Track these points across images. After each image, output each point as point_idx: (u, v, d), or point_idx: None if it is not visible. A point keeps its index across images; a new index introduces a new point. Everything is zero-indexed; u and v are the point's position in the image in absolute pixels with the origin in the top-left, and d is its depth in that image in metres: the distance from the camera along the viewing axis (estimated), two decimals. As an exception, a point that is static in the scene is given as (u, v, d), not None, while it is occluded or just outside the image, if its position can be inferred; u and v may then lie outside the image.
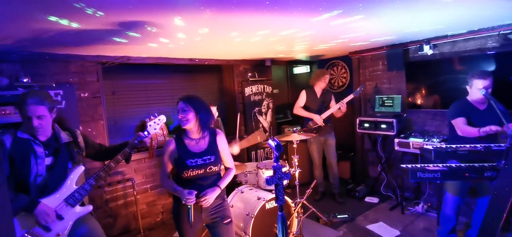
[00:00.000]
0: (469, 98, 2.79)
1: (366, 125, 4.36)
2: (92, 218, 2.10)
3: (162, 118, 2.28)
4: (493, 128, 2.38)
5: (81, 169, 1.99)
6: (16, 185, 1.81)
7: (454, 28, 3.33)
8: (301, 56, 5.03)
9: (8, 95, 2.61)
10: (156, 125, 2.26)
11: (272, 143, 1.53)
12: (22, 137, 1.86)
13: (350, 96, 4.13)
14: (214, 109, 3.85)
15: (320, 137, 4.26)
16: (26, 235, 1.76)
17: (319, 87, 4.27)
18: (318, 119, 4.11)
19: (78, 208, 1.94)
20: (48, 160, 1.89)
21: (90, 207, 2.03)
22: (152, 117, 2.26)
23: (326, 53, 4.87)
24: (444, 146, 2.62)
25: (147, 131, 2.22)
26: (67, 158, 1.96)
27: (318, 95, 4.29)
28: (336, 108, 4.11)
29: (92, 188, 2.00)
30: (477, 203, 2.89)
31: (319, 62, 5.73)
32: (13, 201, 1.73)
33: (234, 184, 3.62)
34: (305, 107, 4.32)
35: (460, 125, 2.70)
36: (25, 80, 2.88)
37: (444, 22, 2.97)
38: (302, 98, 4.35)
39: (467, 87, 2.78)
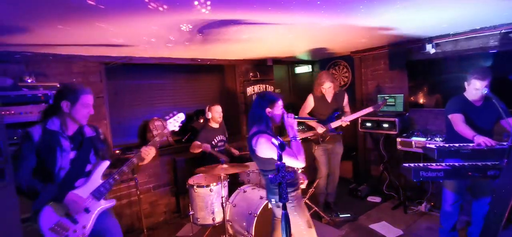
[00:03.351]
0: (466, 94, 2.79)
1: (368, 124, 4.36)
2: (112, 213, 2.16)
3: (181, 116, 2.35)
4: (488, 143, 2.36)
5: (106, 163, 2.05)
6: (43, 176, 1.86)
7: (456, 27, 3.33)
8: (303, 55, 5.04)
9: (12, 95, 2.62)
10: (175, 123, 2.32)
11: (275, 142, 1.54)
12: (51, 129, 1.90)
13: (369, 109, 3.68)
14: (219, 109, 3.86)
15: (328, 145, 3.83)
16: (54, 227, 1.82)
17: (326, 92, 3.74)
18: (321, 130, 3.69)
19: (102, 202, 2.01)
20: (72, 154, 1.95)
21: (114, 201, 2.10)
22: (171, 114, 2.33)
23: (326, 55, 4.87)
24: (447, 145, 2.64)
25: (167, 128, 2.29)
26: (89, 152, 2.02)
27: (330, 100, 3.77)
28: (346, 120, 3.67)
29: (116, 183, 2.07)
30: (473, 205, 2.90)
31: (320, 62, 5.74)
32: (43, 192, 1.79)
33: (237, 184, 3.63)
34: (314, 114, 3.81)
35: (457, 121, 2.70)
36: (29, 81, 2.90)
37: (446, 21, 2.97)
38: (308, 104, 3.83)
39: (465, 83, 2.78)
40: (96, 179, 1.99)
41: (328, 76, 3.72)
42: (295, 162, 2.07)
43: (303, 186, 2.46)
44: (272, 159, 2.09)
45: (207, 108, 3.81)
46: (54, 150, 1.87)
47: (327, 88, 3.70)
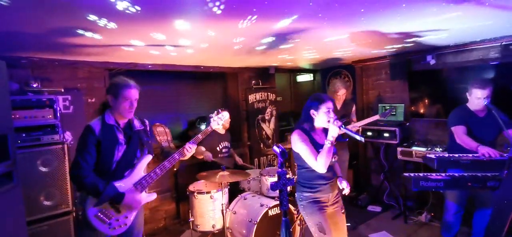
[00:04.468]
0: (468, 105, 2.81)
1: (369, 133, 4.38)
2: (143, 208, 2.21)
3: (225, 115, 2.40)
4: (492, 154, 2.38)
5: (149, 158, 2.10)
6: (100, 169, 1.92)
7: (456, 39, 3.37)
8: (305, 64, 5.08)
9: (18, 100, 2.66)
10: (220, 121, 2.36)
11: (277, 149, 1.56)
12: (108, 123, 1.97)
13: (375, 117, 3.68)
14: (226, 114, 3.87)
15: None
16: (99, 214, 1.89)
17: (339, 99, 3.82)
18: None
19: (144, 195, 2.06)
20: (124, 147, 2.01)
21: (154, 195, 2.16)
22: (215, 112, 2.38)
23: (328, 64, 4.91)
24: (446, 155, 2.65)
25: (210, 126, 2.34)
26: (136, 146, 2.07)
27: (339, 107, 3.85)
28: (356, 127, 3.69)
29: (157, 177, 2.11)
30: (474, 216, 2.90)
31: (322, 71, 5.78)
32: (104, 192, 1.84)
33: (237, 191, 3.64)
34: None
35: (459, 134, 2.72)
36: (34, 85, 2.95)
37: (447, 33, 3.01)
38: None
39: (467, 94, 2.81)
40: (139, 171, 2.04)
41: (342, 83, 3.87)
42: (313, 163, 2.10)
43: (345, 192, 2.37)
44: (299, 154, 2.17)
45: (215, 112, 3.83)
46: (113, 144, 1.94)
47: (341, 95, 3.81)
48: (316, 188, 2.23)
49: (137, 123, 2.11)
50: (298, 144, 2.17)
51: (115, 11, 1.77)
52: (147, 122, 2.22)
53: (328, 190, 2.26)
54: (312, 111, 2.21)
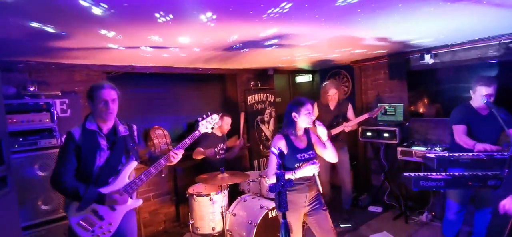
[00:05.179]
0: (472, 103, 2.79)
1: (369, 133, 4.36)
2: (135, 214, 2.17)
3: (214, 118, 2.37)
4: (488, 147, 2.37)
5: (134, 164, 2.06)
6: (82, 175, 1.88)
7: (454, 38, 3.36)
8: (303, 65, 5.07)
9: (15, 104, 2.65)
10: (208, 124, 2.33)
11: (274, 150, 1.54)
12: (89, 128, 1.93)
13: (365, 116, 3.75)
14: (229, 120, 3.90)
15: None
16: (81, 222, 1.85)
17: (331, 99, 3.88)
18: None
19: (129, 201, 2.02)
20: (107, 152, 1.97)
21: (140, 201, 2.10)
22: (204, 116, 2.33)
23: (326, 65, 4.90)
24: (446, 154, 2.64)
25: (198, 130, 2.29)
26: (121, 152, 2.02)
27: (332, 108, 3.90)
28: (348, 126, 3.74)
29: (143, 183, 2.08)
30: (475, 215, 2.88)
31: (320, 72, 5.77)
32: (85, 195, 1.81)
33: (237, 193, 3.63)
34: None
35: (459, 132, 2.71)
36: (32, 89, 2.93)
37: (445, 32, 3.00)
38: (314, 112, 4.03)
39: (471, 92, 2.79)
40: (124, 178, 2.00)
41: (333, 83, 3.92)
42: (268, 176, 2.23)
43: (323, 136, 2.37)
44: None
45: (220, 116, 3.84)
46: (94, 149, 1.90)
47: (332, 95, 3.84)
48: (293, 188, 2.25)
49: (122, 129, 2.06)
50: (271, 150, 2.24)
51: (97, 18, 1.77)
52: (134, 127, 2.18)
53: (305, 190, 2.30)
54: (293, 114, 2.30)
